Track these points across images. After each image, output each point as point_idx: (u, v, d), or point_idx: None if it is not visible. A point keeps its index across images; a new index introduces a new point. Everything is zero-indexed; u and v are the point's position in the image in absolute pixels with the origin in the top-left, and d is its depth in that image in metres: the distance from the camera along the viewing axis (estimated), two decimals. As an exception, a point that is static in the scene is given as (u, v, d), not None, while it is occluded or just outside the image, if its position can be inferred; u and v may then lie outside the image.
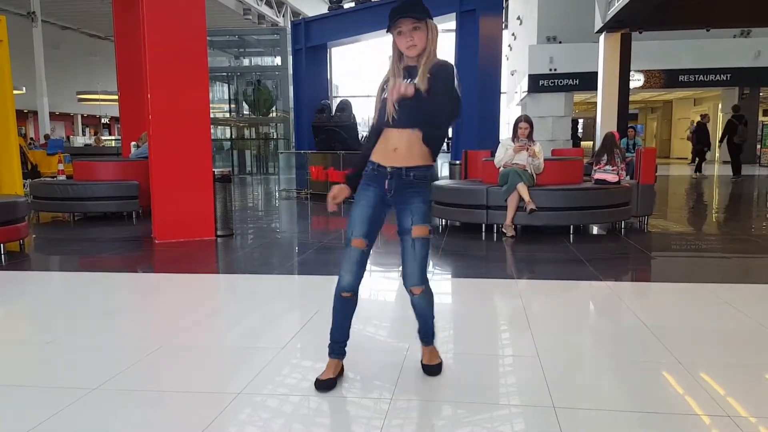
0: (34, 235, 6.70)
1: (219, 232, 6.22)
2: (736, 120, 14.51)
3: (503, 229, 6.12)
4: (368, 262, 2.42)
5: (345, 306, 2.46)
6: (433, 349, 2.62)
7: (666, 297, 4.06)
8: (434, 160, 2.44)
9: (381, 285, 4.64)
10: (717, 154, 20.63)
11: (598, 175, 6.55)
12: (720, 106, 22.46)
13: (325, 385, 2.40)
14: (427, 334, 2.59)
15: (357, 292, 2.44)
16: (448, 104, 2.23)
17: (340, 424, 2.14)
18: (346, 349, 2.51)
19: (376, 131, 2.43)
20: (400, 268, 2.41)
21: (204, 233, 6.10)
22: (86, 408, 2.27)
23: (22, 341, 3.21)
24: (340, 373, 2.51)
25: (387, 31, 2.35)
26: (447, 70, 2.29)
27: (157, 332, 3.31)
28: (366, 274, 5.11)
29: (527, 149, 6.17)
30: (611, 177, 6.45)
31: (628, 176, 6.78)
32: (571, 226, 6.28)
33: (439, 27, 2.43)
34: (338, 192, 2.44)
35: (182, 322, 3.45)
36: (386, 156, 2.36)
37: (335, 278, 4.61)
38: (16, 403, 2.33)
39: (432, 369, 2.56)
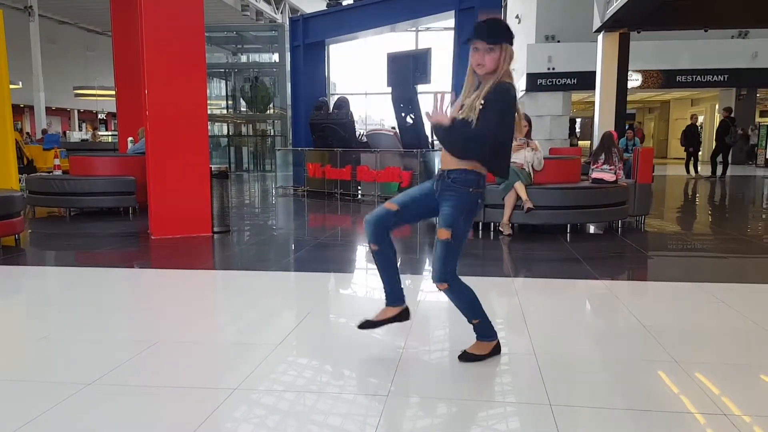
0: (29, 230, 6.68)
1: (216, 229, 6.21)
2: (729, 121, 14.65)
3: (500, 228, 6.12)
4: (393, 224, 2.59)
5: (378, 258, 2.66)
6: (481, 343, 2.67)
7: (662, 296, 4.07)
8: (495, 172, 2.54)
9: (378, 282, 4.63)
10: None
11: (595, 174, 6.56)
12: (717, 106, 22.50)
13: (364, 325, 2.74)
14: (477, 332, 2.67)
15: (386, 246, 2.62)
16: (489, 126, 2.37)
17: (335, 422, 2.13)
18: (403, 295, 2.74)
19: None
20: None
21: (201, 229, 6.08)
22: (82, 403, 2.26)
23: (18, 336, 3.20)
24: (401, 317, 2.75)
25: (465, 42, 2.50)
26: (501, 92, 2.40)
27: (153, 328, 3.30)
28: (362, 273, 5.12)
29: (527, 146, 6.17)
30: (609, 176, 6.46)
31: (624, 175, 6.78)
32: (568, 225, 6.28)
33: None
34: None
35: (178, 318, 3.44)
36: (442, 158, 2.57)
37: (332, 275, 4.67)
38: (12, 398, 2.32)
39: (466, 356, 2.63)
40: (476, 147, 2.43)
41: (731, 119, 14.80)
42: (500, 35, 2.44)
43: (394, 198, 2.63)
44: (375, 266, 2.71)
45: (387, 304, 2.75)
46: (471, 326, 2.67)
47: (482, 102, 2.39)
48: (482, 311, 2.63)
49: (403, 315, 2.78)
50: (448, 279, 2.52)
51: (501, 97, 2.40)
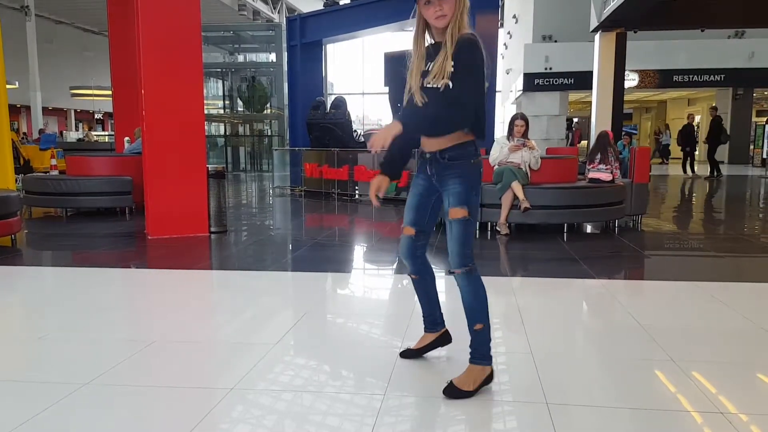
0: (26, 231, 6.66)
1: (212, 229, 6.20)
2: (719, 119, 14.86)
3: (497, 227, 6.13)
4: (422, 245, 2.52)
5: (418, 286, 2.61)
6: (473, 369, 2.32)
7: (659, 295, 4.07)
8: (477, 135, 2.29)
9: (375, 282, 4.64)
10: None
11: (592, 174, 6.56)
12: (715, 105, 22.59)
13: (406, 353, 2.68)
14: (474, 345, 2.34)
15: (425, 272, 2.56)
16: (469, 95, 2.15)
17: (332, 422, 2.13)
18: (442, 320, 2.66)
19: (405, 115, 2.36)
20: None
21: (197, 229, 6.07)
22: (78, 403, 2.25)
23: (14, 336, 3.19)
24: (442, 341, 2.67)
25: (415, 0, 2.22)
26: (470, 48, 2.15)
27: (150, 328, 3.29)
28: (359, 272, 5.12)
29: (523, 146, 6.17)
30: (605, 176, 6.46)
31: (620, 175, 6.79)
32: (565, 225, 6.28)
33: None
34: (379, 183, 2.46)
35: (175, 318, 3.43)
36: (424, 142, 2.36)
37: (329, 275, 4.67)
38: (8, 399, 2.32)
39: (451, 391, 2.27)
40: (459, 115, 2.19)
41: (719, 117, 15.01)
42: None
43: (404, 220, 2.48)
44: (417, 295, 2.64)
45: (425, 330, 2.67)
46: (473, 347, 2.35)
47: (452, 63, 2.15)
48: (489, 318, 2.35)
49: (444, 339, 2.66)
50: (469, 262, 2.30)
51: (471, 54, 2.15)
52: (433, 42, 2.30)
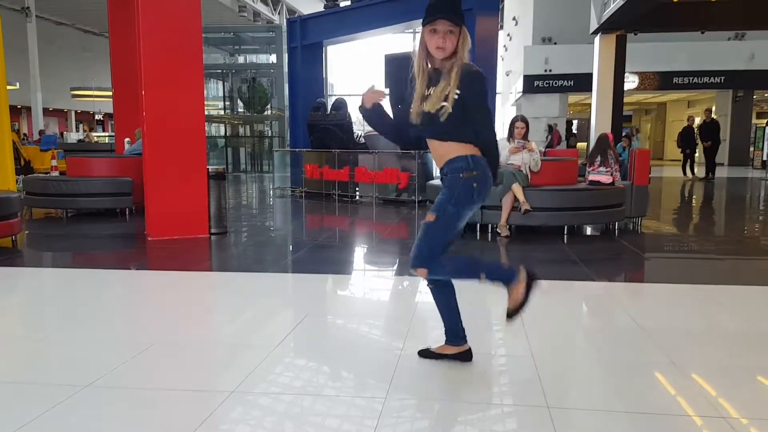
0: (26, 232, 6.65)
1: (213, 230, 6.19)
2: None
3: (498, 229, 6.12)
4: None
5: (435, 296, 2.61)
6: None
7: (659, 298, 4.07)
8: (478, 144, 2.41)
9: (376, 284, 4.63)
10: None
11: (592, 177, 6.56)
12: (714, 108, 22.59)
13: (425, 353, 2.70)
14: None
15: (441, 283, 2.56)
16: (480, 123, 2.36)
17: (332, 424, 2.13)
18: (464, 335, 2.64)
19: (404, 122, 2.53)
20: None
21: (198, 231, 6.07)
22: (77, 406, 2.25)
23: (14, 338, 3.19)
24: (462, 357, 2.63)
25: (423, 24, 2.35)
26: (478, 80, 2.32)
27: (150, 330, 3.29)
28: (360, 273, 5.11)
29: (524, 148, 6.17)
30: (605, 178, 6.46)
31: (621, 177, 6.79)
32: (566, 227, 6.28)
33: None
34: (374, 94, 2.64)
35: (175, 320, 3.44)
36: (433, 158, 2.54)
37: (329, 277, 4.66)
38: (7, 400, 2.31)
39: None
40: (464, 133, 2.38)
41: (716, 121, 15.10)
42: (462, 16, 2.30)
43: None
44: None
45: (446, 342, 2.66)
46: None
47: (457, 92, 2.28)
48: (481, 268, 2.47)
49: (464, 356, 2.63)
50: (425, 264, 2.39)
51: (481, 88, 2.33)
52: (432, 68, 2.42)
